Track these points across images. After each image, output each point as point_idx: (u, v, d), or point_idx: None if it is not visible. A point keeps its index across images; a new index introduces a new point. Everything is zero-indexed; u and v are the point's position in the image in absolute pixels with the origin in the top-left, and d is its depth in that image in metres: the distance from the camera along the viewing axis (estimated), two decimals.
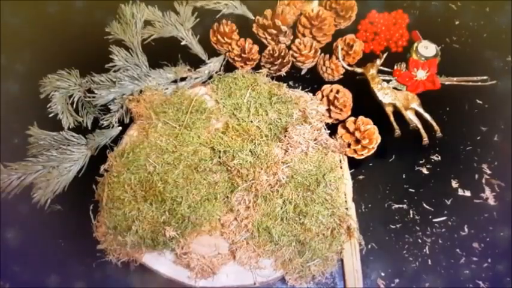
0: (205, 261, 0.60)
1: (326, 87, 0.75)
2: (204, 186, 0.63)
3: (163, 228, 0.60)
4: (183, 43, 0.84)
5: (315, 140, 0.67)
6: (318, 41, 0.83)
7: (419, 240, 0.65)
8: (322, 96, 0.74)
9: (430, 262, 0.63)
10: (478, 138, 0.74)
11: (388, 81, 0.76)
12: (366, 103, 0.73)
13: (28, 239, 0.67)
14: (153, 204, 0.62)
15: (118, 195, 0.62)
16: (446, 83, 0.77)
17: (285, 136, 0.67)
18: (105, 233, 0.62)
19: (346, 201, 0.65)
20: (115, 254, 0.62)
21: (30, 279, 0.64)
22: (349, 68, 0.78)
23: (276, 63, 0.79)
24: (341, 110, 0.72)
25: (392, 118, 0.72)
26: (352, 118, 0.71)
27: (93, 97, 0.77)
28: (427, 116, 0.72)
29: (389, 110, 0.73)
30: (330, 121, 0.73)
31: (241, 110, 0.71)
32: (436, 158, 0.72)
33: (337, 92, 0.73)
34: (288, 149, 0.66)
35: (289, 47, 0.82)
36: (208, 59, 0.82)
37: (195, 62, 0.81)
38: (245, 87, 0.72)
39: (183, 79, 0.79)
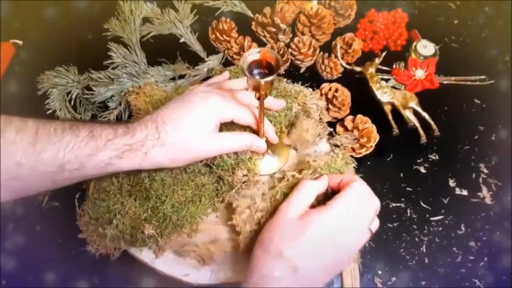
0: (201, 249, 0.60)
1: (325, 86, 0.75)
2: (190, 187, 0.61)
3: (142, 225, 0.59)
4: (181, 40, 0.84)
5: None
6: (317, 40, 0.83)
7: (417, 239, 0.65)
8: (321, 95, 0.74)
9: (427, 260, 0.63)
10: (476, 137, 0.74)
11: (386, 80, 0.76)
12: (365, 102, 0.73)
13: (25, 236, 0.67)
14: (137, 200, 0.60)
15: (104, 187, 0.61)
16: (445, 82, 0.77)
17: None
18: (87, 223, 0.61)
19: None
20: (94, 244, 0.61)
21: (27, 278, 0.64)
22: (348, 67, 0.78)
23: None
24: (339, 108, 0.73)
25: (390, 117, 0.72)
26: (351, 117, 0.71)
27: (92, 94, 0.77)
28: (425, 115, 0.72)
29: (387, 108, 0.73)
30: (328, 119, 0.73)
31: None
32: (433, 157, 0.72)
33: (336, 90, 0.73)
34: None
35: (288, 45, 0.82)
36: (207, 56, 0.82)
37: (194, 60, 0.81)
38: None
39: (181, 76, 0.79)
